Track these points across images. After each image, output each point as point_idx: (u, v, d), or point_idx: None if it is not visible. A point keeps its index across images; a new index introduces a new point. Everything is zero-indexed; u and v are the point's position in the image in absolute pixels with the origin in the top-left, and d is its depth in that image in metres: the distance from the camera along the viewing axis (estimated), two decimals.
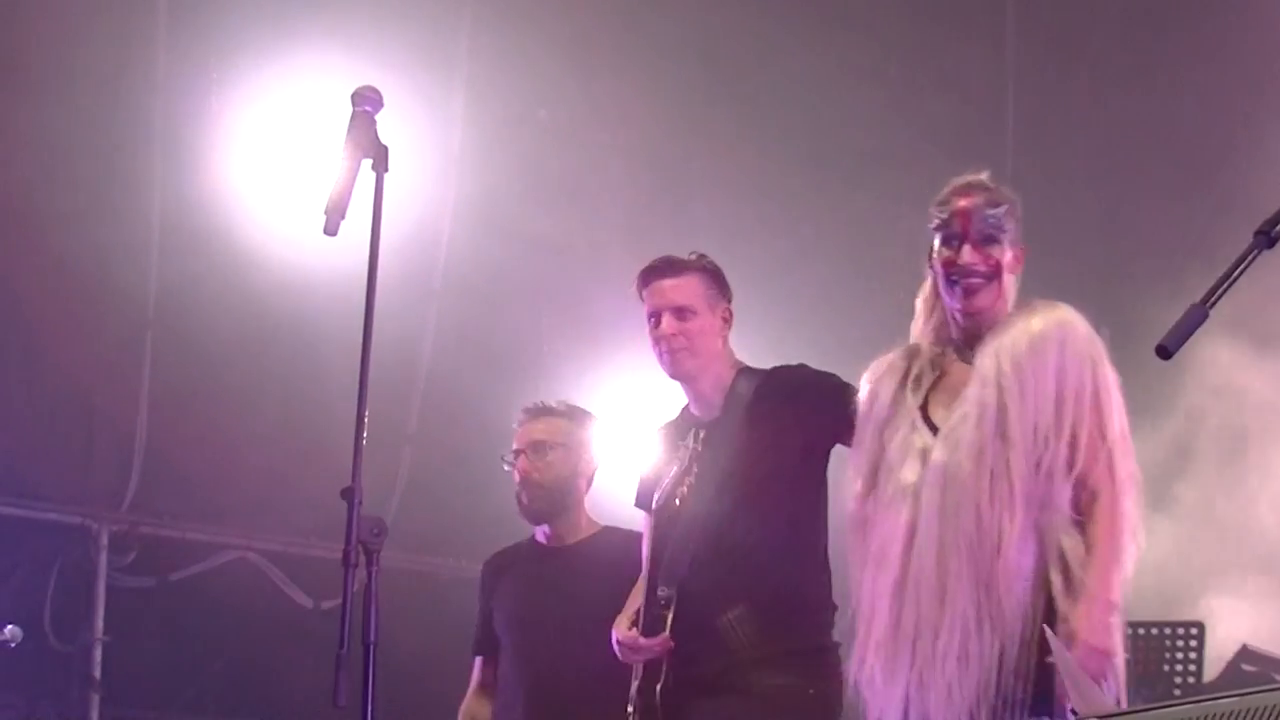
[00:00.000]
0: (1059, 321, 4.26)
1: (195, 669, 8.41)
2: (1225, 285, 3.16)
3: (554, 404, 5.87)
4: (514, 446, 5.78)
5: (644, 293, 5.22)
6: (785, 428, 4.97)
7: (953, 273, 4.36)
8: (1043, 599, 4.14)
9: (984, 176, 4.46)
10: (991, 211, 4.34)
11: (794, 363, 5.22)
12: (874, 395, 4.51)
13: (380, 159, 3.86)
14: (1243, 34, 7.89)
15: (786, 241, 8.77)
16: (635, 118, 8.36)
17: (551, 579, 5.68)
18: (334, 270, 6.11)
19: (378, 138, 3.88)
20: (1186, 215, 8.07)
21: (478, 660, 5.90)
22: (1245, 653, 6.82)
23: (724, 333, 5.20)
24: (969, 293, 4.34)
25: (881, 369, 4.54)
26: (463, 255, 8.08)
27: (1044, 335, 4.22)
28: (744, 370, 5.19)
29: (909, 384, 4.45)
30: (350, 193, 3.81)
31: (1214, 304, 3.17)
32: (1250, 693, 2.61)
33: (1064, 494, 4.17)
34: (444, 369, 8.18)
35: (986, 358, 4.28)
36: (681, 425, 5.25)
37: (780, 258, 8.64)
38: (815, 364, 5.38)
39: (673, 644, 4.89)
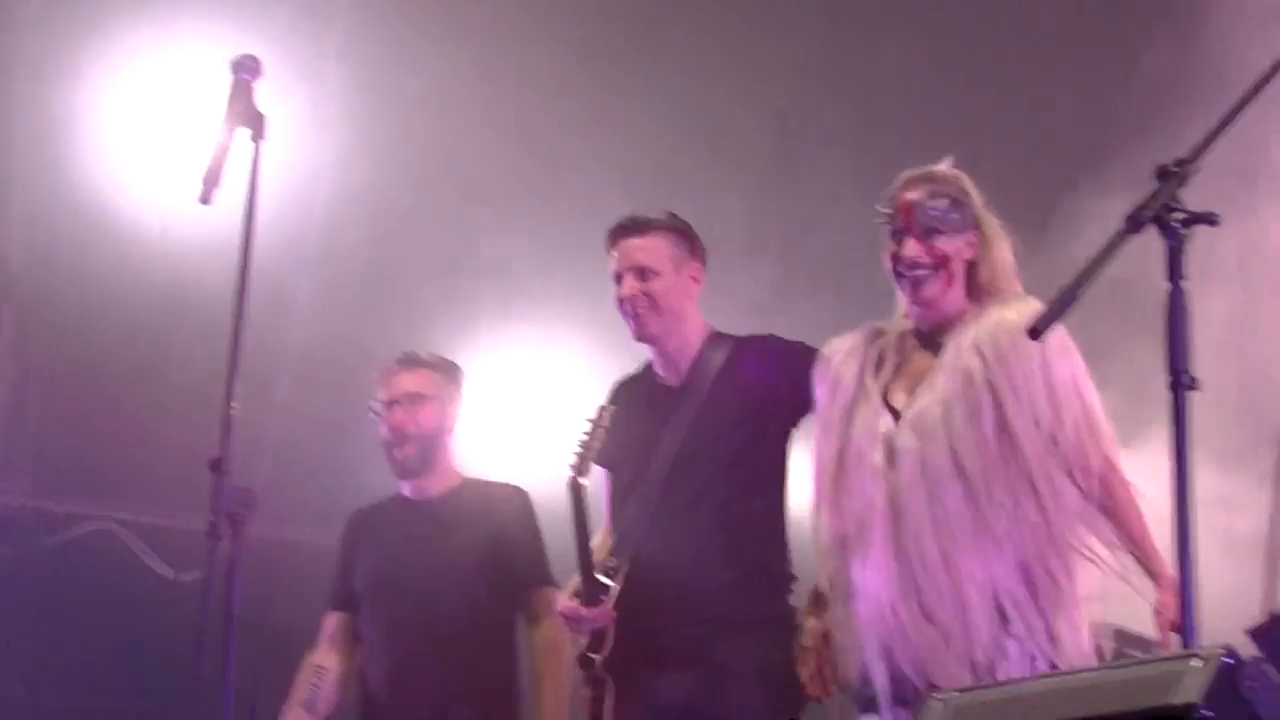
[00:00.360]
0: (1035, 314, 4.29)
1: (56, 641, 8.31)
2: (1095, 269, 3.22)
3: (425, 355, 5.79)
4: (383, 397, 5.68)
5: (611, 252, 5.14)
6: (753, 399, 4.94)
7: (898, 266, 4.40)
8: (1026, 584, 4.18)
9: (936, 167, 4.49)
10: (934, 203, 4.38)
11: (763, 333, 5.18)
12: (837, 378, 4.52)
13: (257, 128, 3.84)
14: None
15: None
16: (510, 90, 8.33)
17: (417, 534, 5.63)
18: (207, 238, 6.05)
19: (255, 106, 3.86)
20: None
21: (331, 615, 5.81)
22: (1122, 636, 6.89)
23: (692, 294, 5.13)
24: (915, 285, 4.39)
25: (842, 351, 4.56)
26: (336, 225, 8.02)
27: (1021, 327, 4.25)
28: (715, 336, 5.14)
29: (869, 368, 4.48)
30: (226, 162, 3.79)
31: (1084, 288, 3.23)
32: (1111, 666, 2.66)
33: (1067, 485, 4.21)
34: (316, 339, 8.12)
35: (964, 350, 4.29)
36: (644, 386, 5.22)
37: None
38: None
39: (614, 615, 4.86)
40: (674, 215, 5.20)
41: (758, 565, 4.91)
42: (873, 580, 4.26)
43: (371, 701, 5.62)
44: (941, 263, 4.37)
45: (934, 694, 2.91)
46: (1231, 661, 2.48)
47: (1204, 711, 2.44)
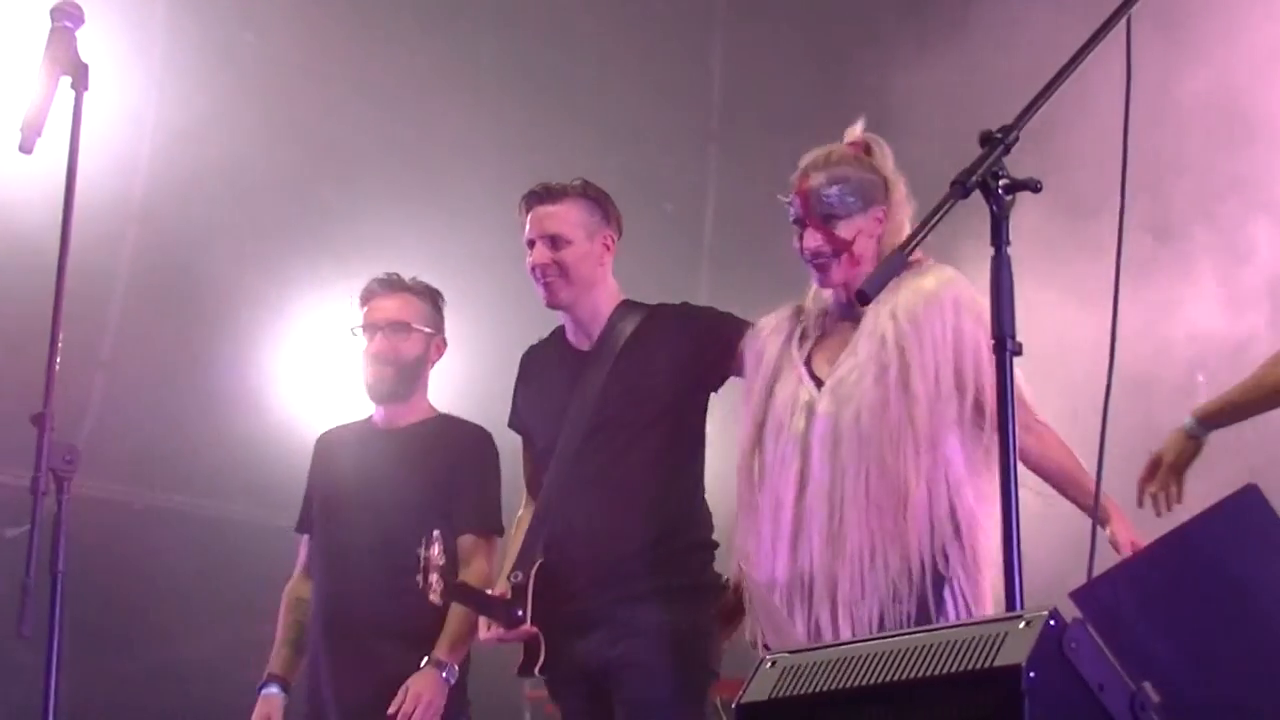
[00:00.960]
0: (949, 280, 4.33)
1: None
2: (923, 233, 3.24)
3: (410, 281, 5.65)
4: (365, 320, 5.57)
5: (523, 218, 5.13)
6: (664, 366, 4.93)
7: (803, 255, 4.42)
8: (937, 540, 4.22)
9: (839, 143, 4.51)
10: (828, 191, 4.39)
11: (675, 301, 5.16)
12: (761, 350, 4.55)
13: (80, 77, 3.76)
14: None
15: (494, 177, 8.76)
16: (342, 44, 8.25)
17: (371, 461, 5.51)
18: (28, 190, 5.93)
19: (78, 55, 3.78)
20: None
21: (302, 539, 5.72)
22: None
23: (605, 261, 5.10)
24: (821, 271, 4.42)
25: (767, 328, 4.59)
26: (162, 179, 7.90)
27: (937, 294, 4.29)
28: (626, 304, 5.11)
29: (794, 340, 4.50)
30: (48, 110, 3.71)
31: (911, 250, 3.25)
32: (938, 628, 2.69)
33: (959, 446, 4.26)
34: (140, 294, 8.00)
35: (882, 316, 4.32)
36: (555, 352, 5.20)
37: (489, 191, 8.64)
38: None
39: (535, 630, 4.86)
40: (588, 183, 5.18)
41: (670, 531, 4.88)
42: (779, 547, 4.32)
43: (309, 628, 5.55)
44: (842, 248, 4.39)
45: (766, 654, 2.93)
46: (1055, 624, 2.52)
47: (1028, 673, 2.48)
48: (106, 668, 8.05)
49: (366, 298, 5.61)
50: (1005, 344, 3.17)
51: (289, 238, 8.29)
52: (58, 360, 3.62)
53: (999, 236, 3.23)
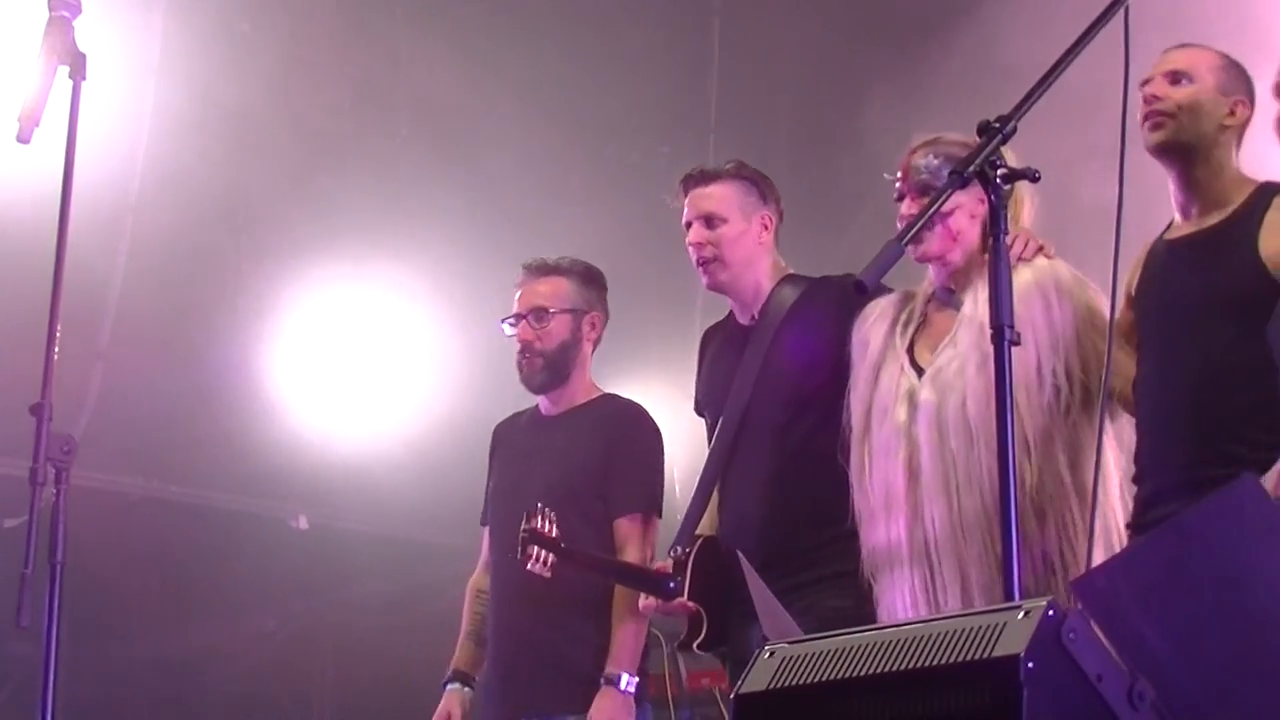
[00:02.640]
0: (1047, 270, 4.27)
1: None
2: (920, 222, 3.25)
3: (559, 261, 5.55)
4: (515, 309, 5.49)
5: (680, 201, 5.11)
6: (822, 337, 4.80)
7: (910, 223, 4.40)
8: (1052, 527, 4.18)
9: (941, 135, 4.45)
10: (923, 162, 4.36)
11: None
12: (866, 340, 4.50)
13: (77, 66, 3.76)
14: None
15: (491, 168, 8.76)
16: (339, 34, 8.26)
17: (537, 448, 5.45)
18: (26, 180, 5.93)
19: (75, 44, 3.77)
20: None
21: (484, 531, 5.64)
22: None
23: (763, 239, 5.06)
24: (915, 242, 4.31)
25: (874, 314, 4.54)
26: (160, 169, 7.90)
27: (1034, 284, 4.24)
28: (789, 278, 5.07)
29: (898, 328, 4.47)
30: (45, 100, 3.71)
31: (909, 240, 3.25)
32: (938, 618, 2.69)
33: (1070, 430, 4.21)
34: (138, 284, 8.00)
35: (981, 303, 4.24)
36: (726, 330, 5.19)
37: (485, 183, 8.65)
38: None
39: (692, 606, 4.85)
40: (744, 164, 5.15)
41: (831, 516, 4.64)
42: (894, 532, 4.29)
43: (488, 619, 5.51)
44: (936, 219, 4.32)
45: (766, 644, 2.93)
46: (1054, 614, 2.52)
47: (1027, 663, 2.48)
48: (104, 657, 8.06)
49: (518, 285, 5.56)
50: (1004, 333, 3.17)
51: (287, 228, 8.29)
52: (56, 351, 3.62)
53: (996, 225, 3.23)
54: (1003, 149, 3.30)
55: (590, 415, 5.46)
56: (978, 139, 3.27)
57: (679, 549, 4.92)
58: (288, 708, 9.51)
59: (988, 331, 4.17)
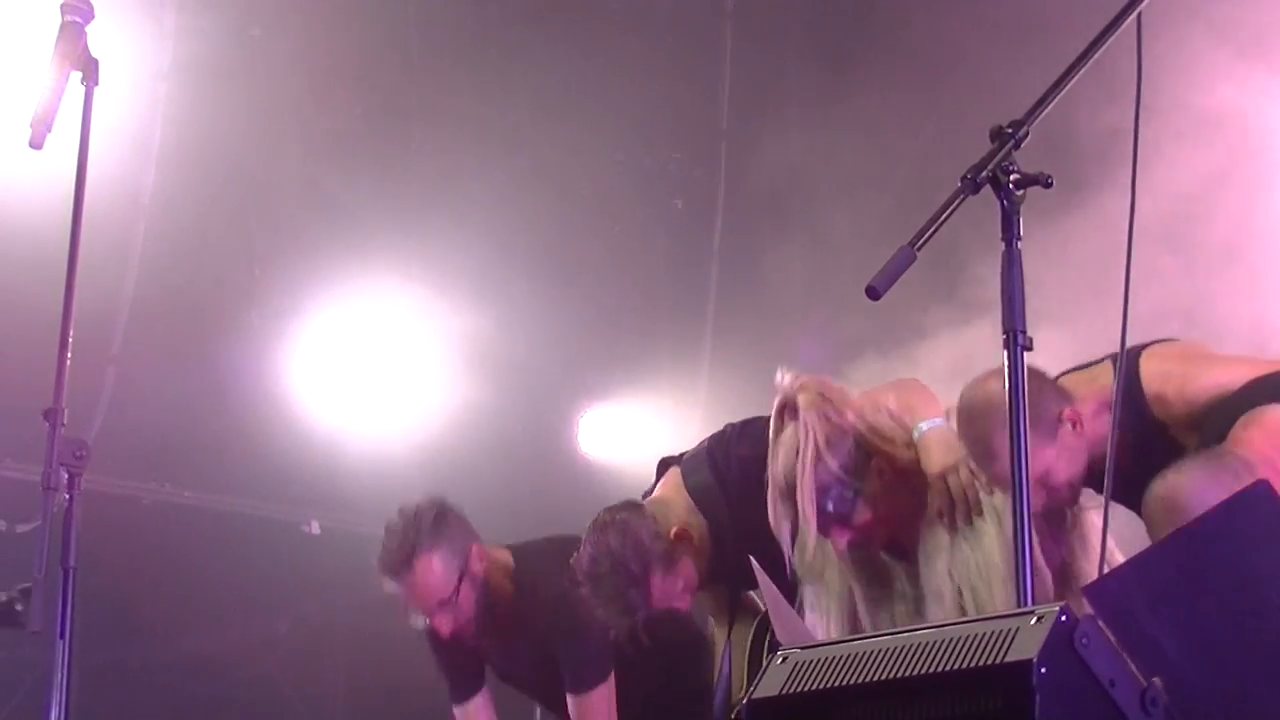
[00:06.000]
0: (996, 520, 4.17)
1: None
2: (932, 228, 3.24)
3: (405, 539, 5.38)
4: (412, 608, 5.46)
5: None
6: None
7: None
8: None
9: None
10: (826, 499, 4.24)
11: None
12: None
13: (90, 72, 3.76)
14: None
15: (503, 174, 8.77)
16: (349, 39, 8.26)
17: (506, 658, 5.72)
18: (39, 185, 5.94)
19: (88, 50, 3.78)
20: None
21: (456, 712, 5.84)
22: None
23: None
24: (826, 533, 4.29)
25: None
26: (172, 174, 7.91)
27: (991, 555, 4.15)
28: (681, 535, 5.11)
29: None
30: (58, 105, 3.71)
31: (921, 246, 3.25)
32: (949, 623, 2.68)
33: None
34: (150, 289, 8.00)
35: (938, 577, 4.23)
36: None
37: (497, 188, 8.65)
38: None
39: None
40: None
41: None
42: None
43: None
44: (865, 531, 4.27)
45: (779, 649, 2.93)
46: (1066, 619, 2.52)
47: (1039, 669, 2.47)
48: (116, 662, 8.06)
49: (397, 591, 5.48)
50: (1016, 337, 3.16)
51: (299, 232, 8.29)
52: (68, 355, 3.63)
53: (1010, 231, 3.23)
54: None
55: (523, 623, 5.49)
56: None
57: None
58: (301, 711, 9.49)
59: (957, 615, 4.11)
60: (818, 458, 4.10)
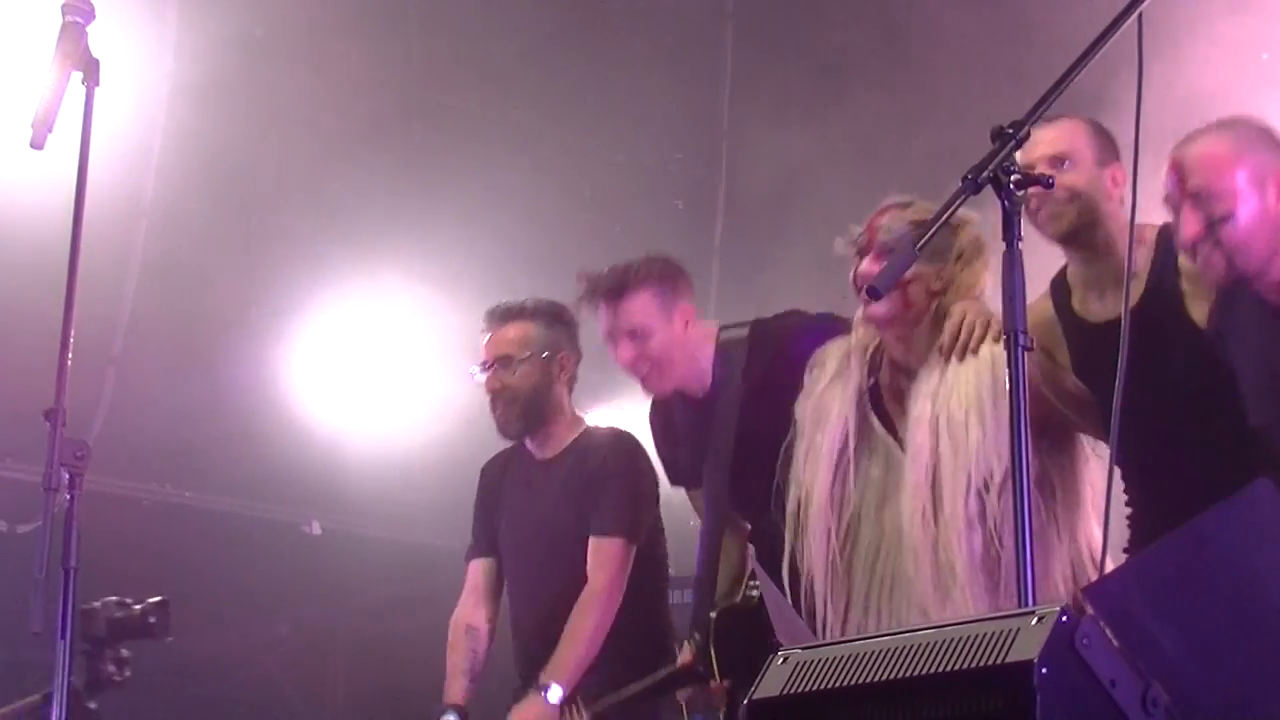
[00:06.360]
0: (991, 367, 4.16)
1: None
2: (934, 228, 3.23)
3: (524, 304, 5.52)
4: (481, 358, 5.49)
5: (597, 311, 5.14)
6: (786, 396, 4.68)
7: (856, 282, 4.36)
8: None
9: (915, 201, 4.38)
10: (893, 225, 4.30)
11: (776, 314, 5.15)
12: (821, 412, 4.43)
13: (91, 72, 3.76)
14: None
15: (504, 174, 8.77)
16: (351, 39, 8.26)
17: (537, 494, 5.49)
18: (40, 186, 5.94)
19: (89, 50, 3.78)
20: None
21: (473, 564, 5.67)
22: None
23: (687, 330, 5.11)
24: (866, 302, 4.32)
25: (823, 381, 4.47)
26: (174, 174, 7.91)
27: (975, 387, 4.15)
28: (722, 350, 5.10)
29: (853, 399, 4.40)
30: (59, 106, 3.71)
31: (923, 246, 3.24)
32: (950, 624, 2.68)
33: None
34: (151, 290, 8.01)
35: (920, 400, 4.23)
36: (679, 418, 5.25)
37: (499, 188, 8.66)
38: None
39: (724, 686, 4.92)
40: (649, 261, 5.16)
41: None
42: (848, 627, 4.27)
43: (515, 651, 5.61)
44: (897, 284, 4.26)
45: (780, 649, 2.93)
46: (1067, 619, 2.52)
47: (1040, 669, 2.47)
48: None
49: (483, 334, 5.54)
50: (1017, 339, 3.16)
51: (299, 233, 8.30)
52: (69, 356, 3.63)
53: (1010, 231, 3.22)
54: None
55: (575, 454, 5.47)
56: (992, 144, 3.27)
57: (697, 636, 4.95)
58: (301, 711, 9.51)
59: (930, 439, 4.14)
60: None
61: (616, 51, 8.90)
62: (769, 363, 4.90)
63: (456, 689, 5.47)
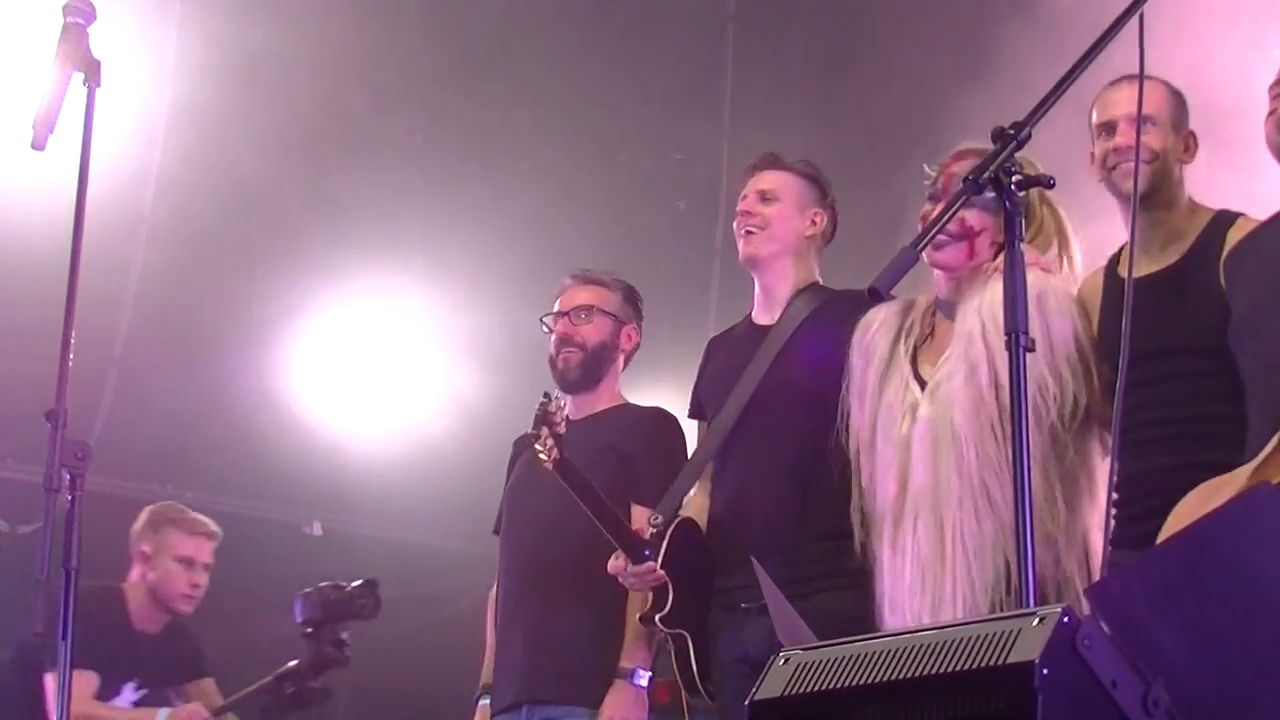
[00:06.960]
0: (1034, 281, 4.13)
1: None
2: (935, 230, 3.24)
3: (603, 274, 5.66)
4: (555, 309, 5.56)
5: (744, 183, 5.21)
6: (837, 348, 4.73)
7: (923, 222, 4.39)
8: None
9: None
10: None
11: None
12: (869, 349, 4.52)
13: (92, 73, 3.76)
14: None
15: (505, 174, 8.77)
16: (353, 40, 8.26)
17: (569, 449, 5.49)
18: (41, 187, 5.94)
19: (90, 51, 3.78)
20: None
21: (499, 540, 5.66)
22: None
23: (809, 234, 5.13)
24: (935, 248, 4.36)
25: (876, 322, 4.56)
26: (175, 175, 7.91)
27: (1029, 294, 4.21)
28: (815, 286, 5.12)
29: (901, 339, 4.49)
30: (60, 107, 3.72)
31: (924, 247, 3.25)
32: (952, 624, 2.68)
33: (1061, 450, 4.21)
34: (152, 291, 8.01)
35: (969, 315, 4.30)
36: (738, 331, 5.23)
37: (500, 188, 8.65)
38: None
39: (663, 575, 4.87)
40: (813, 165, 5.25)
41: (831, 512, 4.68)
42: (891, 558, 4.31)
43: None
44: (965, 234, 4.37)
45: (780, 650, 2.93)
46: (1068, 620, 2.52)
47: (1041, 670, 2.47)
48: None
49: (559, 292, 5.62)
50: (1018, 338, 3.16)
51: (301, 234, 8.30)
52: (70, 357, 3.63)
53: (1012, 232, 3.23)
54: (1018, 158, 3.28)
55: (613, 419, 5.49)
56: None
57: (659, 519, 4.93)
58: (301, 711, 9.50)
59: (976, 342, 4.20)
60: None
61: (618, 52, 8.90)
62: (839, 317, 4.81)
63: (491, 669, 5.46)
